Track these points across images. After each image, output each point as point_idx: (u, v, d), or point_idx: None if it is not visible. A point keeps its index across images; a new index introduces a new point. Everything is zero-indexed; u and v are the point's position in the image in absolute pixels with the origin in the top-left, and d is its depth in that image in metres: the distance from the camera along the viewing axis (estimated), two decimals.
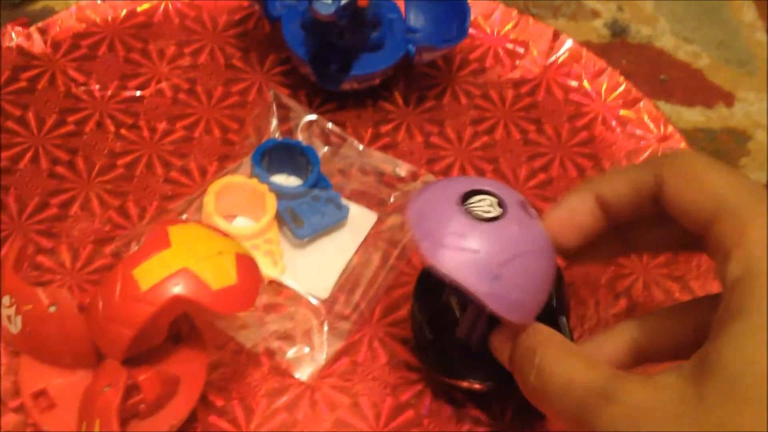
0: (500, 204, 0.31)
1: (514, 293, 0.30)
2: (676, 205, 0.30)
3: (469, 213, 0.31)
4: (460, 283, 0.30)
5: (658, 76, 0.55)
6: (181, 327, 0.35)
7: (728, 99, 0.55)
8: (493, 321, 0.33)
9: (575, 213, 0.32)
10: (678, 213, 0.30)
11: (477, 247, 0.30)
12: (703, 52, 0.57)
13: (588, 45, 0.53)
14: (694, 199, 0.29)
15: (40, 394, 0.34)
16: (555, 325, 0.34)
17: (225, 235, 0.34)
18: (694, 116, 0.54)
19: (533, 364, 0.30)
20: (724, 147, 0.53)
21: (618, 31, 0.57)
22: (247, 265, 0.33)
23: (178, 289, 0.31)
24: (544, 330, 0.31)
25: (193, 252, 0.32)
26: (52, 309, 0.32)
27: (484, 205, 0.31)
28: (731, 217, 0.28)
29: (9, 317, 0.34)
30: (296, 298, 0.40)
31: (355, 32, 0.45)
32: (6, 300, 0.33)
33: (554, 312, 0.36)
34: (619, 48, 0.57)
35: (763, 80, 0.56)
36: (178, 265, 0.31)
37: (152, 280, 0.31)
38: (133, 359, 0.33)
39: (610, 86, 0.49)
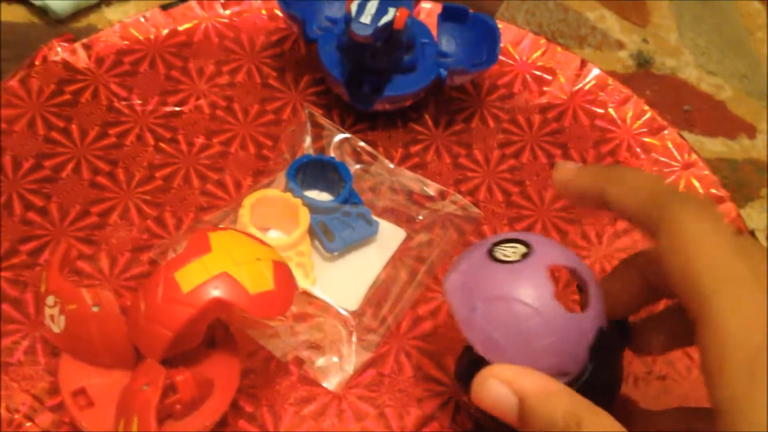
0: (525, 255, 0.32)
1: (491, 333, 0.31)
2: (667, 273, 0.28)
3: (492, 253, 0.32)
4: (450, 307, 0.32)
5: (682, 106, 0.57)
6: (217, 332, 0.37)
7: (750, 131, 0.56)
8: None
9: (581, 191, 0.32)
10: (672, 284, 0.28)
11: (471, 277, 0.32)
12: (726, 84, 0.59)
13: (613, 75, 0.54)
14: (682, 283, 0.27)
15: (79, 392, 0.35)
16: None
17: (262, 242, 0.35)
18: (717, 146, 0.55)
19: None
20: (746, 178, 0.54)
21: (642, 62, 0.59)
22: (283, 271, 0.34)
23: (217, 292, 0.32)
24: (574, 395, 0.29)
25: (233, 257, 0.33)
26: (95, 309, 0.33)
27: (509, 251, 0.32)
28: (713, 330, 0.26)
29: (52, 317, 0.35)
30: (326, 309, 0.41)
31: (389, 54, 0.46)
32: (50, 300, 0.35)
33: None
34: (643, 78, 0.58)
35: None
36: (218, 269, 0.33)
37: (193, 283, 0.32)
38: (170, 361, 0.34)
39: (635, 114, 0.51)
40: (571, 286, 0.35)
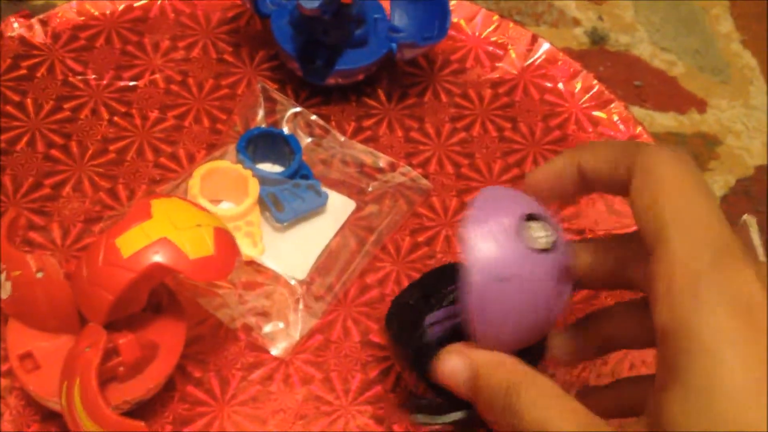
0: (554, 245, 0.31)
1: (501, 310, 0.31)
2: (635, 212, 0.29)
3: (527, 227, 0.31)
4: (466, 260, 0.30)
5: (633, 82, 0.58)
6: (162, 298, 0.37)
7: (701, 105, 0.57)
8: (455, 336, 0.34)
9: (558, 176, 0.33)
10: (637, 222, 0.29)
11: (505, 247, 0.31)
12: (678, 60, 0.60)
13: (568, 51, 0.55)
14: (645, 217, 0.28)
15: (26, 356, 0.35)
16: None
17: (204, 209, 0.36)
18: (667, 121, 0.56)
19: (510, 403, 0.30)
20: (695, 150, 0.55)
21: (597, 39, 0.60)
22: (224, 237, 0.35)
23: (157, 257, 0.33)
24: (518, 365, 0.31)
25: (173, 223, 0.34)
26: (40, 275, 0.34)
27: (542, 233, 0.31)
28: (665, 256, 0.27)
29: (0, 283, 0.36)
30: (275, 278, 0.42)
31: (339, 29, 0.47)
32: None
33: None
34: (597, 55, 0.59)
35: (736, 88, 0.58)
36: (158, 234, 0.33)
37: (133, 248, 0.33)
38: (115, 325, 0.35)
39: (583, 88, 0.52)
40: None
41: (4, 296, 0.35)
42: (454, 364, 0.32)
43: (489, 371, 0.31)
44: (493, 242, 0.31)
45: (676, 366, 0.26)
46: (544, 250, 0.31)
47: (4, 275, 0.35)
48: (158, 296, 0.37)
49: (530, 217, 0.32)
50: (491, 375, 0.31)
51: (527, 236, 0.31)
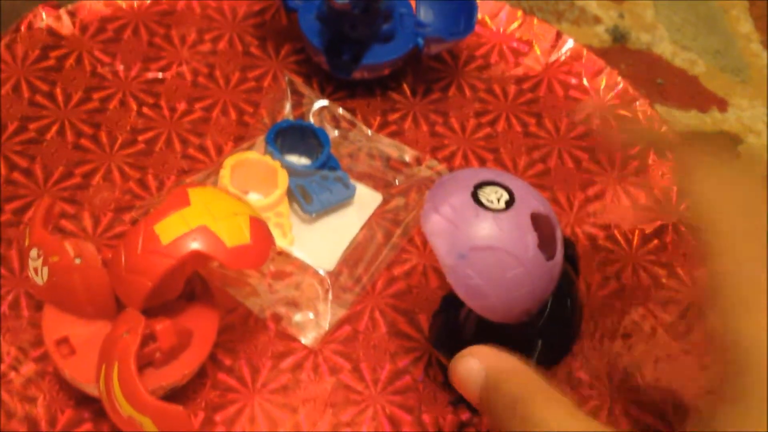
0: (509, 203, 0.32)
1: (476, 280, 0.31)
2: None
3: (476, 197, 0.33)
4: (433, 248, 0.32)
5: (655, 80, 0.58)
6: (196, 286, 0.38)
7: (722, 105, 0.57)
8: (481, 322, 0.34)
9: None
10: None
11: (459, 223, 0.32)
12: (699, 59, 0.60)
13: (589, 49, 0.55)
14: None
15: (62, 341, 0.36)
16: (529, 342, 0.35)
17: (239, 198, 0.37)
18: (688, 119, 0.56)
19: (518, 416, 0.28)
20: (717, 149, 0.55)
21: (618, 37, 0.60)
22: (259, 226, 0.35)
23: (196, 244, 0.33)
24: (532, 375, 0.30)
25: (211, 211, 0.34)
26: (78, 261, 0.35)
27: (493, 196, 0.33)
28: (712, 266, 0.28)
29: (36, 269, 0.36)
30: (303, 268, 0.43)
31: (367, 23, 0.47)
32: (34, 253, 0.36)
33: (535, 333, 0.36)
34: (618, 53, 0.59)
35: (756, 88, 0.58)
36: (197, 222, 0.34)
37: (172, 236, 0.33)
38: (151, 312, 0.35)
39: (608, 85, 0.52)
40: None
41: (40, 282, 0.36)
42: (471, 367, 0.31)
43: (500, 378, 0.30)
44: (449, 224, 0.32)
45: (727, 371, 0.26)
46: (501, 210, 0.32)
47: (41, 261, 0.35)
48: (192, 285, 0.38)
49: (480, 186, 0.33)
50: (504, 381, 0.30)
51: (482, 203, 0.32)
